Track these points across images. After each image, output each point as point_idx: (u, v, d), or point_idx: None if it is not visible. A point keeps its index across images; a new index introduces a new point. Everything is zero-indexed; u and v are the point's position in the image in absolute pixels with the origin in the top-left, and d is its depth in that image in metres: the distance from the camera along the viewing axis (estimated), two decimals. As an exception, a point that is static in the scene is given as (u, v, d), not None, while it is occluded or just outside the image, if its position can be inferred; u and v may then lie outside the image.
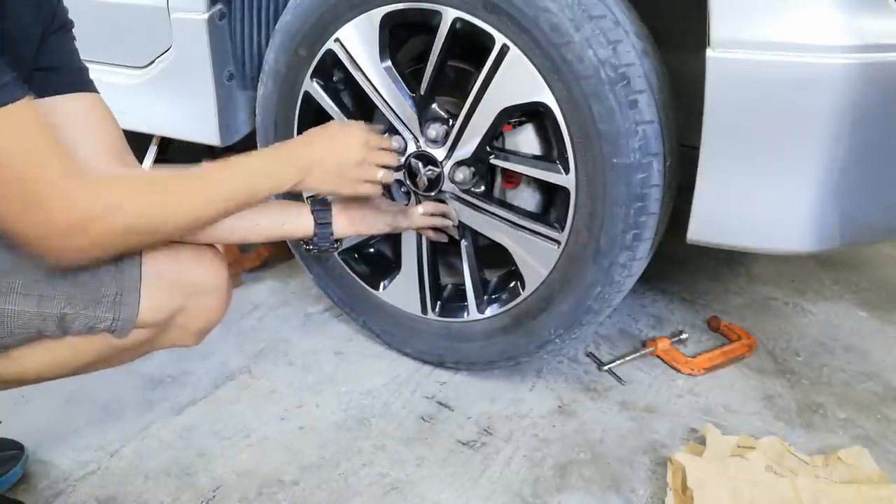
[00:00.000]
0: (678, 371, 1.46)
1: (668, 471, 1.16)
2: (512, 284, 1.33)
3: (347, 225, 1.17)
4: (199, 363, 1.46)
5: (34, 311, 0.88)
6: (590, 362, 1.49)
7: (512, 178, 1.32)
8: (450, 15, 1.17)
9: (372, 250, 1.47)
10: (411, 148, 1.31)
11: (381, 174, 1.14)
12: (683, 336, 1.55)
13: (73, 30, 1.01)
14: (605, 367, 1.45)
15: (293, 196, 1.49)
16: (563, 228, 1.20)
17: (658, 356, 1.50)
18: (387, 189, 1.41)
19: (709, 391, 1.40)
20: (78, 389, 1.31)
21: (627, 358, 1.48)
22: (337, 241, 1.17)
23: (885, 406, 1.37)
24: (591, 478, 1.18)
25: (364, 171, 1.11)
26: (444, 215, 1.32)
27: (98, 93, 1.01)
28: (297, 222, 1.13)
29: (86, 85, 1.00)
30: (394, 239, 1.43)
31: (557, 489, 1.15)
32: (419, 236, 1.36)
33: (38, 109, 0.77)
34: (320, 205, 1.15)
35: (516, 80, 1.14)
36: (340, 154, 1.09)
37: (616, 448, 1.25)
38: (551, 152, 1.21)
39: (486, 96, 1.18)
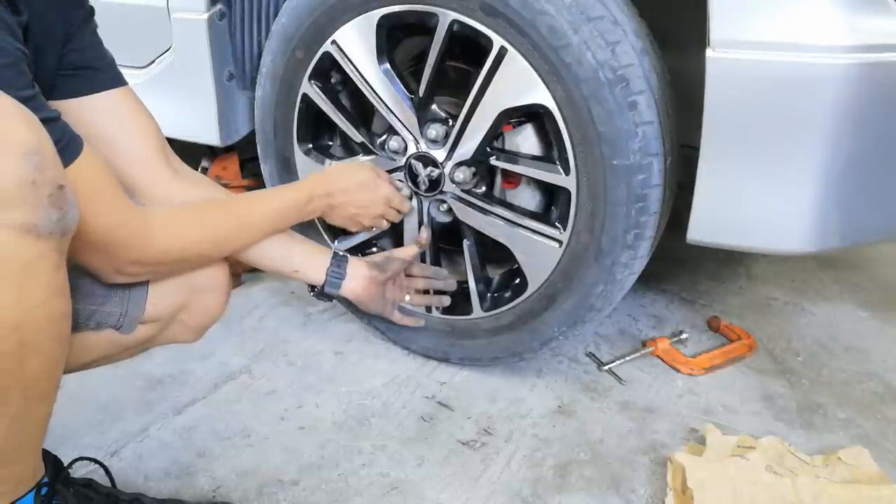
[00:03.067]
0: (678, 371, 1.46)
1: (668, 471, 1.16)
2: (516, 282, 1.33)
3: (352, 289, 1.24)
4: (199, 363, 1.46)
5: None
6: (590, 362, 1.49)
7: (511, 179, 1.32)
8: (447, 17, 1.17)
9: (375, 249, 1.47)
10: (411, 149, 1.31)
11: (407, 298, 1.38)
12: (683, 336, 1.55)
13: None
14: (605, 367, 1.45)
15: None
16: (564, 228, 1.20)
17: (658, 356, 1.50)
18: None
19: (709, 391, 1.40)
20: (78, 389, 1.31)
21: (627, 358, 1.48)
22: (334, 297, 1.26)
23: (885, 406, 1.37)
24: (591, 478, 1.18)
25: (375, 221, 1.28)
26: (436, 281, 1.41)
27: (128, 84, 1.03)
28: (310, 273, 1.21)
29: (117, 79, 1.02)
30: (397, 237, 1.43)
31: (557, 489, 1.15)
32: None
33: (95, 155, 0.81)
34: (337, 266, 1.22)
35: (515, 81, 1.14)
36: (362, 206, 1.23)
37: (616, 448, 1.25)
38: (551, 153, 1.21)
39: (485, 98, 1.18)
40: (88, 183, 0.77)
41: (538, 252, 1.24)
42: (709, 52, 1.00)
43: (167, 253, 0.91)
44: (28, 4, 0.81)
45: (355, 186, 1.21)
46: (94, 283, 0.91)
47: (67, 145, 0.75)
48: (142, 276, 0.94)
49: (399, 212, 1.32)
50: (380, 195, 1.25)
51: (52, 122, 0.73)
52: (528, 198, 1.33)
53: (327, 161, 1.43)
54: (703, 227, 1.11)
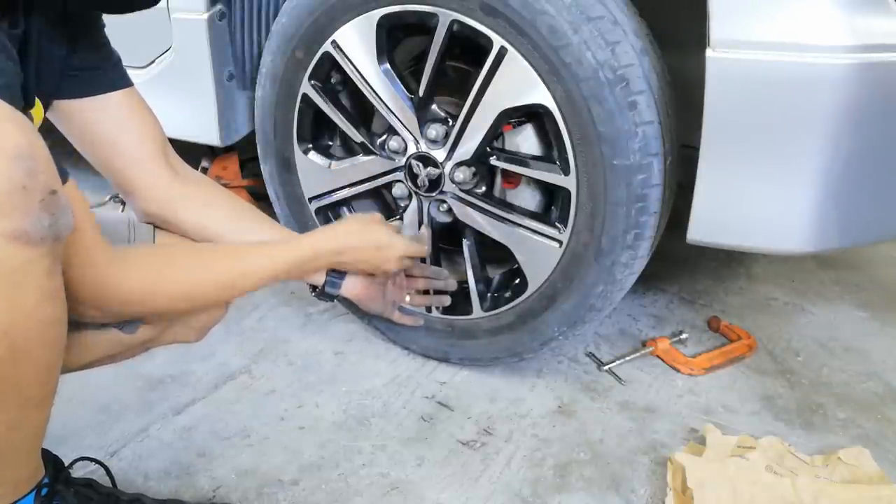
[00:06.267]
0: (678, 371, 1.46)
1: (668, 471, 1.16)
2: (516, 282, 1.33)
3: (352, 289, 1.26)
4: (199, 363, 1.46)
5: None
6: (590, 362, 1.49)
7: (511, 179, 1.32)
8: (447, 17, 1.17)
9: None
10: (411, 149, 1.31)
11: (408, 298, 1.35)
12: (683, 336, 1.55)
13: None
14: (605, 367, 1.45)
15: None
16: (564, 228, 1.20)
17: (658, 356, 1.50)
18: (388, 190, 1.41)
19: (709, 391, 1.40)
20: (78, 390, 1.31)
21: (627, 358, 1.48)
22: (335, 297, 1.26)
23: (885, 406, 1.37)
24: (591, 478, 1.18)
25: (391, 286, 1.30)
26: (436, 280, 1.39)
27: (133, 84, 1.02)
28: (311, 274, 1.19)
29: (122, 80, 1.01)
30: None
31: (557, 489, 1.15)
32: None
33: (76, 188, 0.77)
34: (336, 271, 1.22)
35: (515, 81, 1.14)
36: (375, 264, 1.21)
37: (616, 448, 1.25)
38: (551, 153, 1.21)
39: (485, 98, 1.18)
40: None
41: (538, 252, 1.24)
42: (709, 52, 1.00)
43: (127, 301, 0.85)
44: (28, 9, 0.80)
45: (367, 246, 1.18)
46: None
47: None
48: (98, 320, 0.89)
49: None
50: (394, 254, 1.21)
51: None
52: (527, 198, 1.33)
53: (327, 161, 1.43)
54: (703, 227, 1.11)
